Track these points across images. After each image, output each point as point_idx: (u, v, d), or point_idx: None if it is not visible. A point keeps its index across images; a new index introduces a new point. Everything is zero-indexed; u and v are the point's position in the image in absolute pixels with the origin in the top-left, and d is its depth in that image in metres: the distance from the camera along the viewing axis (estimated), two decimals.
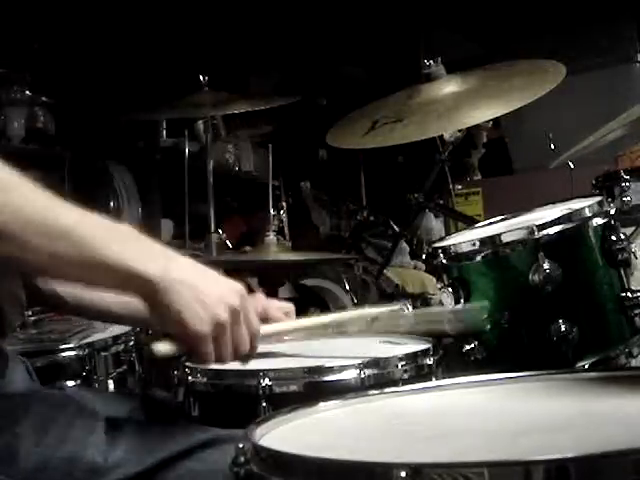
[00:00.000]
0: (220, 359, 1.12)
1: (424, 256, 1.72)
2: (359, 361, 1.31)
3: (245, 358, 1.19)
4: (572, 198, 1.73)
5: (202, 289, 1.08)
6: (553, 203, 1.76)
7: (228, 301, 1.10)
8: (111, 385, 1.89)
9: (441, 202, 3.47)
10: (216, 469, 1.11)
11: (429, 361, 1.38)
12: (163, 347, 1.14)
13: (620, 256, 1.55)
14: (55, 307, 1.70)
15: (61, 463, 1.11)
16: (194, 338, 1.08)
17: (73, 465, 1.11)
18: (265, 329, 1.28)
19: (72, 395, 1.37)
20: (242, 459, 0.82)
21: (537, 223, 1.51)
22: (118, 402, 1.42)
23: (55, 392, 1.32)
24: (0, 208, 1.00)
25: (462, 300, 1.58)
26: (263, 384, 1.29)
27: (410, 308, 1.56)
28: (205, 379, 1.37)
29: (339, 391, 1.21)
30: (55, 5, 3.48)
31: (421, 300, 3.70)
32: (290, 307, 1.53)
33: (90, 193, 3.97)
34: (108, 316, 1.57)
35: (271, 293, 2.58)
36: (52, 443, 1.12)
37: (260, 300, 1.45)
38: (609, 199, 1.59)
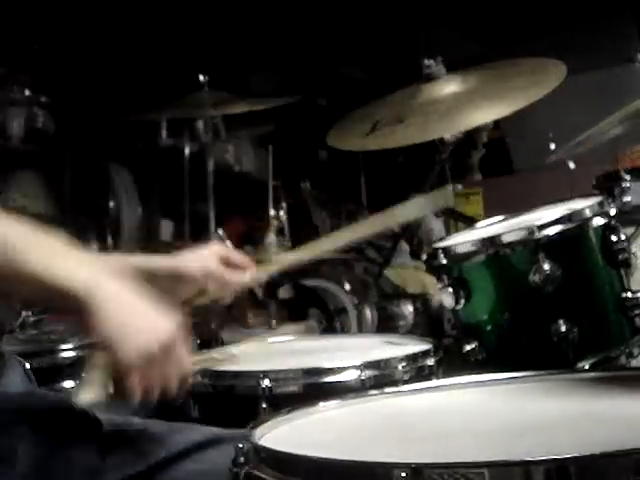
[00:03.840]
0: (144, 394, 1.04)
1: (424, 256, 1.72)
2: (359, 362, 1.31)
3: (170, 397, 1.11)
4: (572, 198, 1.73)
5: (135, 313, 1.03)
6: (553, 203, 1.76)
7: (160, 334, 1.03)
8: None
9: None
10: (215, 469, 1.10)
11: (430, 362, 1.38)
12: (84, 395, 1.05)
13: (620, 256, 1.55)
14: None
15: (59, 464, 1.11)
16: (121, 368, 1.01)
17: (71, 466, 1.11)
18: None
19: (70, 396, 1.36)
20: (242, 459, 0.82)
21: (537, 223, 1.51)
22: (117, 402, 1.42)
23: (53, 393, 1.32)
24: None
25: (462, 300, 1.58)
26: (263, 385, 1.29)
27: None
28: (205, 380, 1.37)
29: (339, 392, 1.21)
30: (55, 5, 3.48)
31: (421, 300, 3.70)
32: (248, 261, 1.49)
33: (90, 193, 3.97)
34: None
35: (271, 293, 2.58)
36: (50, 444, 1.12)
37: (220, 250, 1.43)
38: (609, 199, 1.59)
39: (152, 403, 1.06)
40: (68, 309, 1.03)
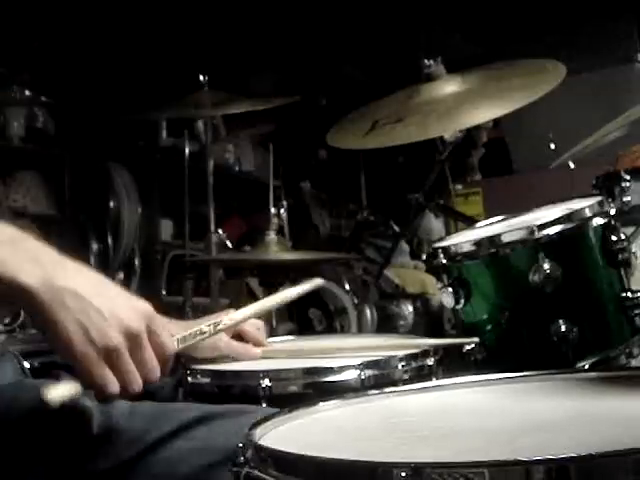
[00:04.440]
0: (124, 388, 0.96)
1: (424, 256, 1.72)
2: (359, 361, 1.31)
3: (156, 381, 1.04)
4: (572, 198, 1.73)
5: (93, 302, 0.93)
6: (553, 203, 1.76)
7: (125, 323, 0.95)
8: None
9: (441, 202, 3.47)
10: (207, 446, 1.11)
11: (429, 362, 1.38)
12: (55, 392, 0.95)
13: (620, 256, 1.55)
14: None
15: (52, 453, 1.11)
16: (83, 362, 0.93)
17: (64, 454, 1.12)
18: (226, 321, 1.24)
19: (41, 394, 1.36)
20: (242, 459, 0.82)
21: (537, 223, 1.51)
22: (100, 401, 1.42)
23: (43, 382, 1.31)
24: None
25: (462, 300, 1.58)
26: (263, 385, 1.29)
27: None
28: (205, 380, 1.37)
29: (339, 392, 1.21)
30: (55, 5, 3.48)
31: (421, 300, 3.71)
32: (260, 323, 1.49)
33: (90, 193, 3.98)
34: None
35: (271, 293, 2.58)
36: (41, 432, 1.12)
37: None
38: (609, 199, 1.59)
39: (138, 394, 1.00)
40: (17, 302, 0.94)
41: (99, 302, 0.94)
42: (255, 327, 1.47)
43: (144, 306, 0.99)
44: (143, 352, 0.97)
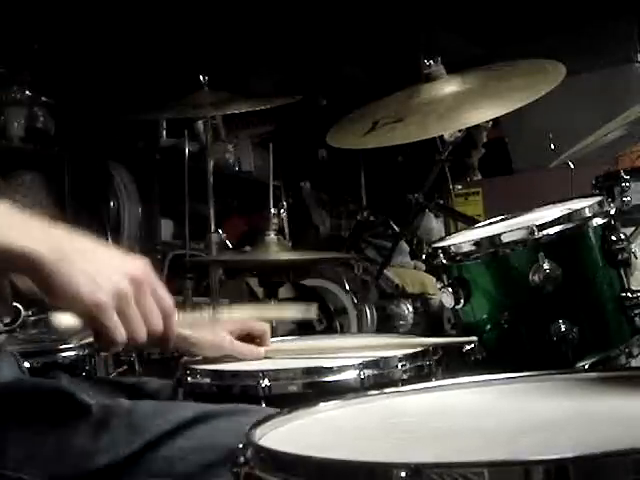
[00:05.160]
0: (131, 336, 1.01)
1: (424, 256, 1.72)
2: (359, 361, 1.31)
3: (164, 342, 1.09)
4: (572, 198, 1.73)
5: (97, 256, 1.00)
6: (553, 203, 1.76)
7: (130, 271, 1.01)
8: None
9: (441, 202, 3.47)
10: (206, 444, 1.11)
11: (429, 361, 1.38)
12: (64, 319, 1.00)
13: (620, 256, 1.55)
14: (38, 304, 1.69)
15: (50, 450, 1.12)
16: (94, 310, 0.97)
17: (62, 451, 1.12)
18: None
19: (60, 382, 1.36)
20: (242, 459, 0.81)
21: (537, 223, 1.51)
22: (109, 388, 1.42)
23: (42, 380, 1.31)
24: None
25: (462, 300, 1.58)
26: (263, 384, 1.29)
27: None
28: (205, 380, 1.37)
29: (339, 392, 1.21)
30: (55, 5, 3.48)
31: (421, 300, 3.71)
32: (266, 326, 1.49)
33: (90, 193, 3.98)
34: None
35: (271, 293, 2.58)
36: (40, 430, 1.12)
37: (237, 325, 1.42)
38: (609, 199, 1.59)
39: (142, 345, 1.05)
40: (21, 270, 0.98)
41: (101, 254, 1.00)
42: (262, 328, 1.47)
43: (142, 261, 1.04)
44: (147, 300, 1.02)
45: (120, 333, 1.00)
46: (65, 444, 1.12)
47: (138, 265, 1.03)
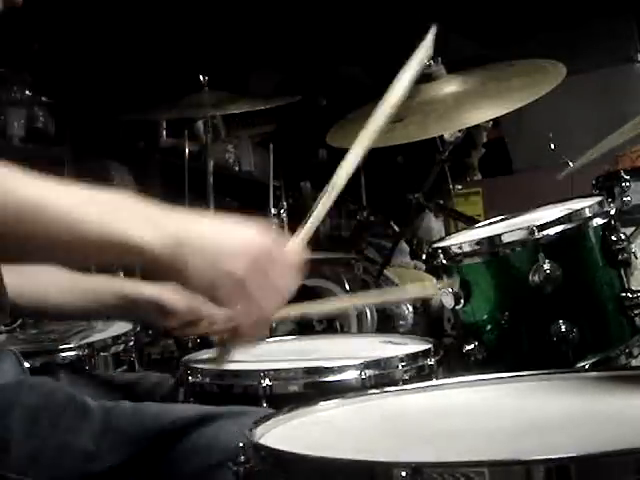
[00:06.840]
0: (247, 315, 1.06)
1: (424, 256, 1.72)
2: (360, 361, 1.31)
3: (262, 327, 1.16)
4: (572, 198, 1.73)
5: (215, 241, 1.01)
6: (553, 203, 1.76)
7: (248, 250, 1.02)
8: None
9: (441, 202, 3.47)
10: (209, 446, 1.11)
11: (430, 361, 1.38)
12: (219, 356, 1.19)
13: (620, 256, 1.55)
14: (37, 316, 1.70)
15: (53, 452, 1.12)
16: (216, 301, 1.05)
17: (65, 453, 1.12)
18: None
19: (63, 382, 1.36)
20: (243, 458, 0.82)
21: (537, 223, 1.51)
22: (112, 386, 1.42)
23: (45, 380, 1.32)
24: None
25: (462, 300, 1.58)
26: (263, 384, 1.29)
27: None
28: (205, 379, 1.37)
29: (340, 391, 1.21)
30: (55, 5, 3.48)
31: (421, 300, 3.70)
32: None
33: None
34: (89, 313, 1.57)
35: None
36: (43, 432, 1.12)
37: None
38: (609, 199, 1.59)
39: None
40: (143, 263, 1.02)
41: (221, 237, 1.01)
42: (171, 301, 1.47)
43: (261, 236, 1.04)
44: (267, 281, 1.03)
45: (248, 317, 1.05)
46: (68, 446, 1.12)
47: (257, 242, 1.03)
